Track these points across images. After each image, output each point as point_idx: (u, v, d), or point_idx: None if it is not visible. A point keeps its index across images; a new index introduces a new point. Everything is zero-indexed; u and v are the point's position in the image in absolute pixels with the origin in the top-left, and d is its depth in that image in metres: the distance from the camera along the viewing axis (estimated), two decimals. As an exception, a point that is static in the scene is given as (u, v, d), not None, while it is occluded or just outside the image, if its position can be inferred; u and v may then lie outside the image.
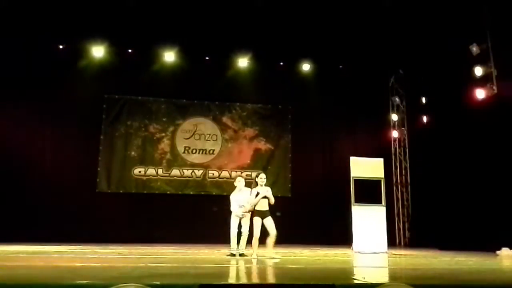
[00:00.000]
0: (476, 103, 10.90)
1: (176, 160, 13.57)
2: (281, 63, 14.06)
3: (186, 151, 13.67)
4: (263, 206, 7.59)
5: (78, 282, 4.09)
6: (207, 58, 13.73)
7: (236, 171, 13.59)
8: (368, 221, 10.41)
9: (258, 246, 7.41)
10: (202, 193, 13.47)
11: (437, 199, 12.31)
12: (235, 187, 8.07)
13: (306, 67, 14.01)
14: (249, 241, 7.63)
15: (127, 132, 13.48)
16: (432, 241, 12.03)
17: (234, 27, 11.53)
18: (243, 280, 4.54)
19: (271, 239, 7.48)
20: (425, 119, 13.62)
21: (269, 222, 7.49)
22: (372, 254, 9.72)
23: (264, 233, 7.43)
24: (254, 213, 7.64)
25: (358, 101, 13.82)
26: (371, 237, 10.25)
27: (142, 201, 12.96)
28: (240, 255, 7.69)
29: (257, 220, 7.51)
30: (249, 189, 7.88)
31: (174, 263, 6.51)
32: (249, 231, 7.77)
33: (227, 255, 7.69)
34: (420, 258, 7.97)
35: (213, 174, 13.63)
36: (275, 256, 7.54)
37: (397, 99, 14.73)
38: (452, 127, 11.90)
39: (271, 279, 4.85)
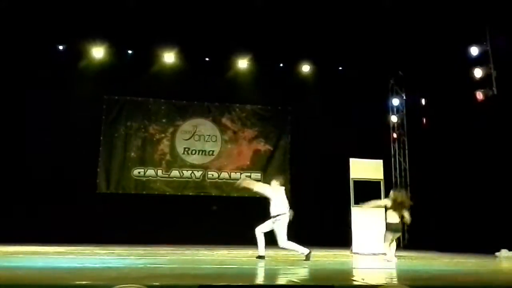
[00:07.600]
0: (475, 104, 10.89)
1: (175, 161, 13.55)
2: (281, 64, 14.06)
3: (185, 152, 13.66)
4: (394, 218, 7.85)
5: (77, 283, 4.09)
6: (207, 59, 13.72)
7: (235, 172, 13.59)
8: (367, 223, 10.42)
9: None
10: (202, 194, 13.45)
11: (437, 200, 12.29)
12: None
13: (305, 68, 13.98)
14: None
15: (126, 133, 13.45)
16: (431, 243, 12.01)
17: (234, 28, 11.50)
18: (242, 281, 4.53)
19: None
20: (424, 120, 13.61)
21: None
22: (371, 255, 9.73)
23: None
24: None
25: (358, 102, 13.79)
26: (370, 238, 10.26)
27: (142, 202, 12.93)
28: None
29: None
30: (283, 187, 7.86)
31: (173, 264, 6.51)
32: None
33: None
34: (419, 259, 7.98)
35: (212, 175, 13.61)
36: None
37: (397, 101, 14.73)
38: (452, 128, 11.88)
39: (270, 280, 4.85)
